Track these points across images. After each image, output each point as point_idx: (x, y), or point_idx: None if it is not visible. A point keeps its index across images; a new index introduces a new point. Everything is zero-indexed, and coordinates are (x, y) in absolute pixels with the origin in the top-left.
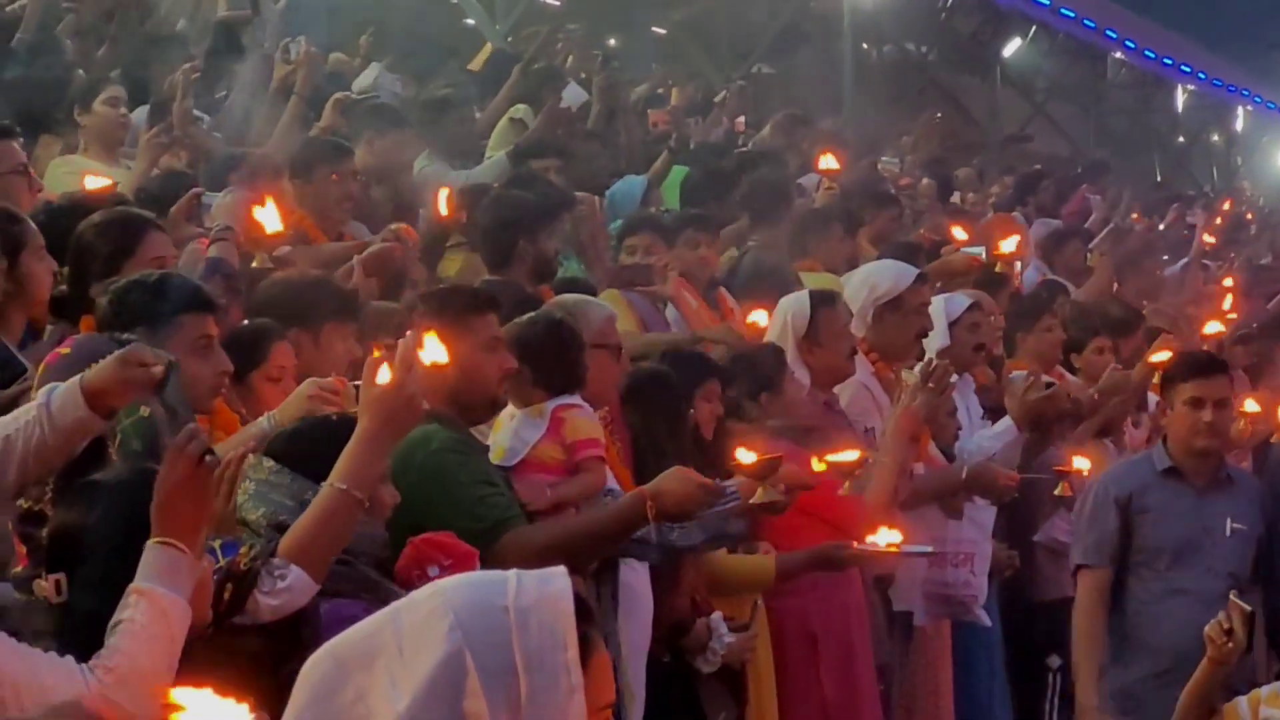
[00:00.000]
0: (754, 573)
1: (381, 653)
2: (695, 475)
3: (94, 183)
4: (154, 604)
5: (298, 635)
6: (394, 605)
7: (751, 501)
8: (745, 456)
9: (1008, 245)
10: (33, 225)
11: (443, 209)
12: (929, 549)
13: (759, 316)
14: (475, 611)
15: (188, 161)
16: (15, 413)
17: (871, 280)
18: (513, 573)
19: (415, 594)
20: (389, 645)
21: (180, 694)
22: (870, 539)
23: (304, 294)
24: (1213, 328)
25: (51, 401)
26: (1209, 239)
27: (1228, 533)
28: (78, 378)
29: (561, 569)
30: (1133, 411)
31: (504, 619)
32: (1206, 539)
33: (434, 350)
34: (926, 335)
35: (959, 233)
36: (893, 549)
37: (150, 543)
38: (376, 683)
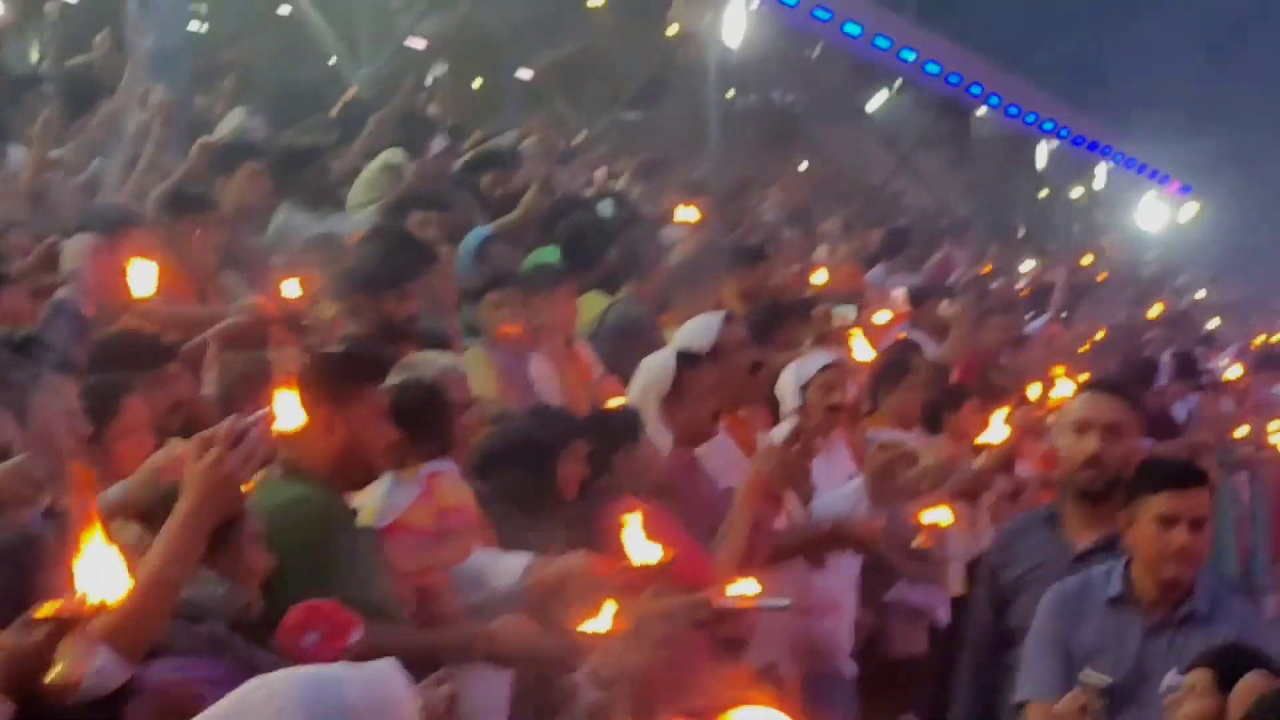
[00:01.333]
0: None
1: None
2: (530, 628)
3: None
4: None
5: (119, 714)
6: (225, 706)
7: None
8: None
9: (880, 318)
10: None
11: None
12: (785, 603)
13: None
14: (325, 714)
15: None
16: None
17: (684, 342)
18: (341, 670)
19: (246, 694)
20: None
21: None
22: (727, 592)
23: (102, 351)
24: (1062, 389)
25: None
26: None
27: (1161, 689)
28: None
29: (391, 663)
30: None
31: None
32: (1144, 690)
33: (290, 413)
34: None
35: (819, 277)
36: (749, 602)
37: None
38: None
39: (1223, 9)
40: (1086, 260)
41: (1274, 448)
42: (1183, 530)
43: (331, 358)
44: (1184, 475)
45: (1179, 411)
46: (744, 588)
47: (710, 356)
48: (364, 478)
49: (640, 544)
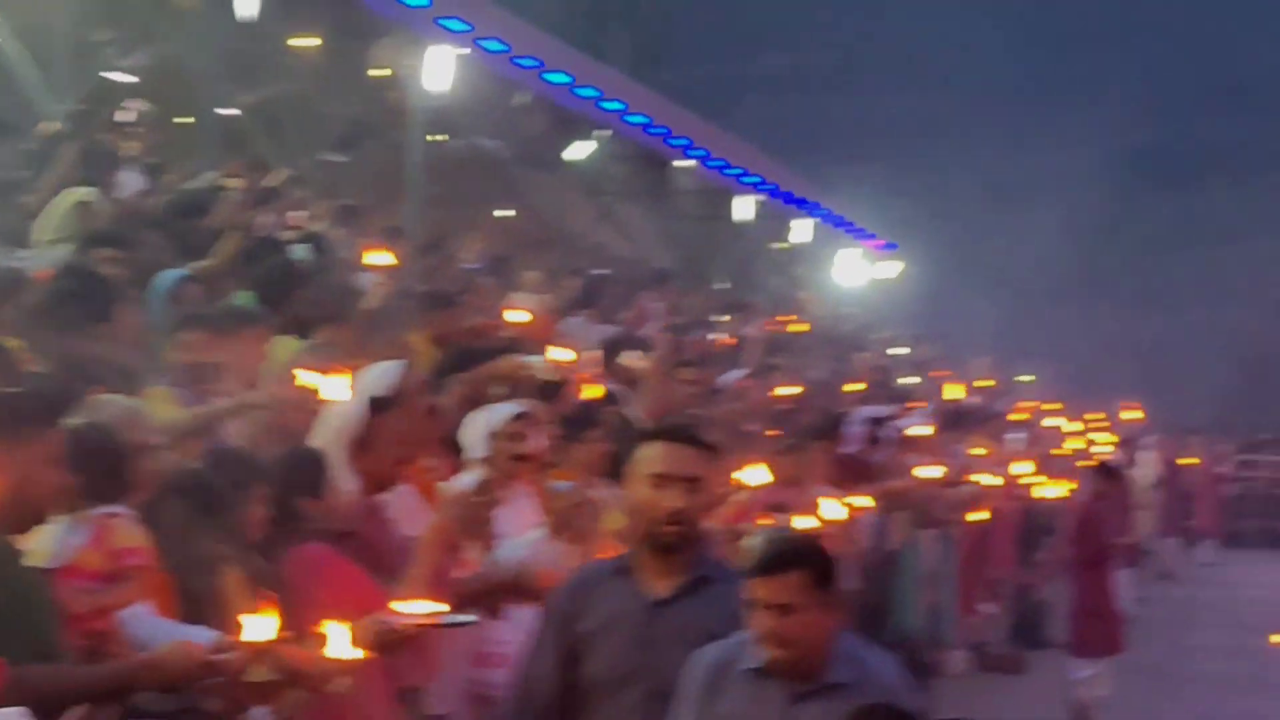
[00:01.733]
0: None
1: None
2: (197, 652)
3: None
4: None
5: None
6: None
7: (243, 678)
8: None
9: (557, 354)
10: None
11: None
12: (472, 618)
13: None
14: None
15: None
16: None
17: (364, 388)
18: None
19: None
20: None
21: None
22: (411, 608)
23: None
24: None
25: None
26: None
27: None
28: None
29: (21, 710)
30: None
31: None
32: None
33: None
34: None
35: (513, 315)
36: (432, 619)
37: None
38: None
39: (930, 70)
40: (785, 315)
41: (962, 504)
42: (767, 614)
43: (4, 397)
44: (764, 564)
45: (871, 467)
46: (428, 606)
47: (392, 403)
48: (33, 520)
49: (340, 642)
